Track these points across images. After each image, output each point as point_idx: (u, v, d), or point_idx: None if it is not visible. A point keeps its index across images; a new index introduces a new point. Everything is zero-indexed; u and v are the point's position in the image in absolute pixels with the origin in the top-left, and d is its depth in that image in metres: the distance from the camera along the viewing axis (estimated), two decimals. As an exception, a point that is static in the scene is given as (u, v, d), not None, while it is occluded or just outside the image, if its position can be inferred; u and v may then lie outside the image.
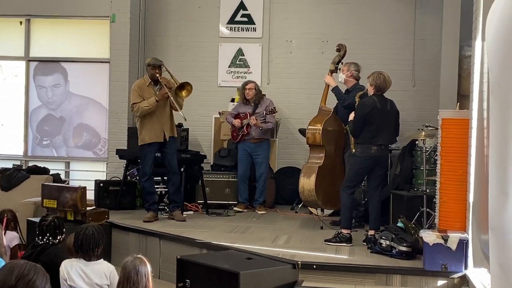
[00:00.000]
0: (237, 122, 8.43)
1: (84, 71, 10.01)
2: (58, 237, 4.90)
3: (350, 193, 6.39)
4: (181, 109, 7.28)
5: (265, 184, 8.43)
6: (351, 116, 6.48)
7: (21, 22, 10.03)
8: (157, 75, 7.30)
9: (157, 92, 7.31)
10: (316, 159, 7.33)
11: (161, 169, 7.94)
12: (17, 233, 6.16)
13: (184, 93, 7.21)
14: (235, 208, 8.27)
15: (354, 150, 6.54)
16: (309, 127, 7.42)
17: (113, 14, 9.48)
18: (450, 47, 8.50)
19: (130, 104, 7.46)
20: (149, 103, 7.23)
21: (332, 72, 7.55)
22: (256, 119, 8.23)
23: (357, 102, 6.57)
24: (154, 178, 8.58)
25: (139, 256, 3.88)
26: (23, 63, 10.10)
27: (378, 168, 6.39)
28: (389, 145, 6.79)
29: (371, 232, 6.28)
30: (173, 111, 7.46)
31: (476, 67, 5.08)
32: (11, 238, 5.89)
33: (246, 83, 8.59)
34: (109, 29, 9.60)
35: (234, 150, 8.94)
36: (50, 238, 4.85)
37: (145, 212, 7.62)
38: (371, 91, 6.36)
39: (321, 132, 7.25)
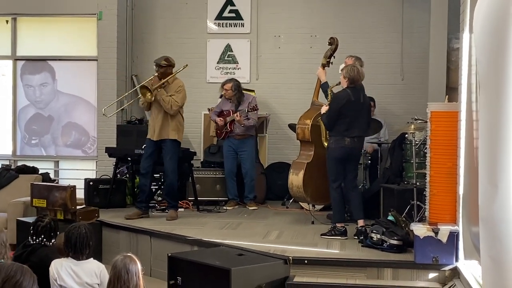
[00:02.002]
0: (219, 120, 8.40)
1: (72, 69, 9.95)
2: (53, 240, 4.86)
3: (336, 186, 6.41)
4: (168, 107, 7.25)
5: (252, 181, 8.41)
6: (324, 109, 6.50)
7: (7, 21, 9.95)
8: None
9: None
10: (305, 155, 7.31)
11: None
12: None
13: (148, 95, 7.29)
14: (225, 207, 8.24)
15: (326, 144, 6.62)
16: (299, 122, 7.39)
17: (100, 12, 9.42)
18: (438, 39, 8.51)
19: None
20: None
21: (324, 66, 7.44)
22: (240, 116, 8.20)
23: (329, 95, 6.59)
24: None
25: (129, 254, 3.85)
26: (10, 62, 10.03)
27: (352, 161, 6.50)
28: (363, 137, 6.80)
29: (361, 223, 6.31)
30: (174, 116, 7.38)
31: (464, 59, 5.08)
32: None
33: (224, 83, 8.54)
34: (96, 26, 9.55)
35: (224, 146, 8.93)
36: (45, 240, 4.82)
37: (134, 210, 7.59)
38: (344, 83, 6.39)
39: (310, 128, 7.22)
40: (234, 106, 8.39)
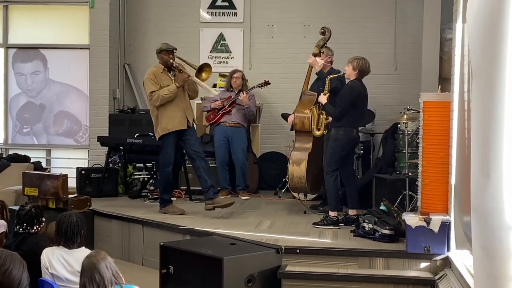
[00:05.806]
0: (218, 103, 8.34)
1: (64, 58, 9.91)
2: (35, 227, 4.82)
3: (335, 176, 6.42)
4: (197, 95, 7.13)
5: (243, 171, 8.37)
6: (323, 98, 6.47)
7: (-2, 9, 9.90)
8: (171, 60, 6.87)
9: (173, 78, 6.88)
10: (304, 146, 7.17)
11: (144, 156, 7.96)
12: (5, 221, 6.09)
13: (204, 75, 6.87)
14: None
15: (318, 133, 6.69)
16: (296, 112, 7.22)
17: (92, 0, 9.36)
18: (431, 30, 8.50)
19: (148, 93, 6.82)
20: (170, 90, 6.74)
21: (315, 55, 7.34)
22: (246, 93, 8.17)
23: (327, 84, 6.57)
24: (137, 165, 8.58)
25: (93, 253, 3.65)
26: (1, 50, 9.99)
27: (354, 151, 6.66)
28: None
29: (353, 212, 6.33)
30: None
31: (457, 49, 5.08)
32: None
33: (234, 72, 8.54)
34: (88, 15, 9.49)
35: (217, 136, 8.90)
36: (28, 228, 4.79)
37: (126, 200, 7.55)
38: (353, 75, 6.33)
39: (310, 118, 7.11)
40: (235, 95, 8.36)
